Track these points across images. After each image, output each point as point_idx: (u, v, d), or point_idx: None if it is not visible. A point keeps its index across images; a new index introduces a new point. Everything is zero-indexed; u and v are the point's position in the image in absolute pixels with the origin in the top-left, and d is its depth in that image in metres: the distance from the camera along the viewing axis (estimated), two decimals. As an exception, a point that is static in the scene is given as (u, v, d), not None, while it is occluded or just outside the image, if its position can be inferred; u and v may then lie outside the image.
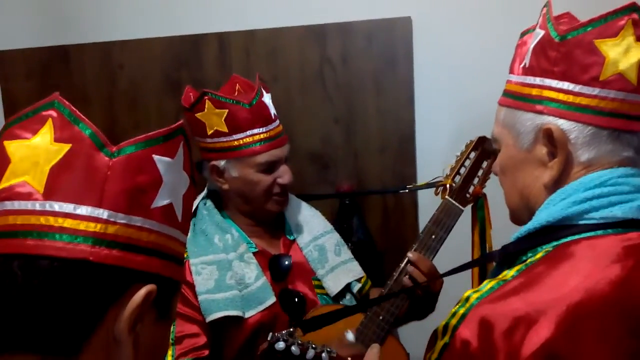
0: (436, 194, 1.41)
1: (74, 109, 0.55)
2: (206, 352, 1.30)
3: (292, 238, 1.51)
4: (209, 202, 1.47)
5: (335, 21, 1.98)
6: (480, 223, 1.40)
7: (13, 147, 0.54)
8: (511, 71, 0.86)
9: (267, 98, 1.41)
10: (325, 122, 2.04)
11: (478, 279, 1.40)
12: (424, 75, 1.96)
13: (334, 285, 1.45)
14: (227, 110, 1.35)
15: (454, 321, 0.73)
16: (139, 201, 0.55)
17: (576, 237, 0.74)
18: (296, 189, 2.07)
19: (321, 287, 1.46)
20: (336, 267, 1.48)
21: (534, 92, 0.78)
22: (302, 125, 2.04)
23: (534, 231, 0.77)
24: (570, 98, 0.75)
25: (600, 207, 0.74)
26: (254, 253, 1.41)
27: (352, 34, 1.98)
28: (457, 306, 0.74)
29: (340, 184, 1.99)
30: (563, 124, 0.76)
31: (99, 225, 0.53)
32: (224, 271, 1.34)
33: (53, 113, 0.55)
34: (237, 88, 1.44)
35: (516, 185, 0.84)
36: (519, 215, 0.86)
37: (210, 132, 1.37)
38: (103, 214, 0.53)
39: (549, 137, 0.77)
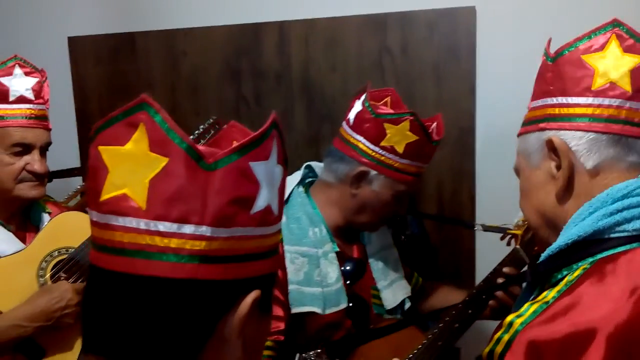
0: (502, 239, 1.42)
1: (166, 114, 0.53)
2: (282, 338, 1.33)
3: (364, 244, 1.52)
4: (301, 189, 1.46)
5: (396, 10, 1.95)
6: None
7: (108, 154, 0.53)
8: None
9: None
10: (382, 112, 2.01)
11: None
12: (487, 67, 1.90)
13: (392, 299, 1.47)
14: None
15: (499, 348, 0.72)
16: (239, 211, 0.54)
17: (611, 252, 0.74)
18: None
19: (378, 297, 1.47)
20: (394, 281, 1.50)
21: (538, 113, 0.83)
22: (359, 115, 2.03)
23: (565, 247, 0.77)
24: (566, 110, 0.79)
25: (632, 218, 0.74)
26: (335, 253, 1.41)
27: (413, 24, 1.94)
28: (501, 332, 0.73)
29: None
30: (563, 134, 0.79)
31: (203, 243, 0.52)
32: (313, 266, 1.36)
33: (143, 117, 0.53)
34: None
35: (533, 204, 0.86)
36: (541, 234, 0.87)
37: None
38: (207, 231, 0.52)
39: (553, 149, 0.80)
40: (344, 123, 1.41)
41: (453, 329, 1.29)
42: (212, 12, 2.14)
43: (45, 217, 1.49)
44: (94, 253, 0.56)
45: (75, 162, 2.32)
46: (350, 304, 1.38)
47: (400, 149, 1.34)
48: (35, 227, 1.47)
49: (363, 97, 1.36)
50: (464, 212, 1.98)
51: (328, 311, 1.35)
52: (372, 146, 1.35)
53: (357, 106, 1.38)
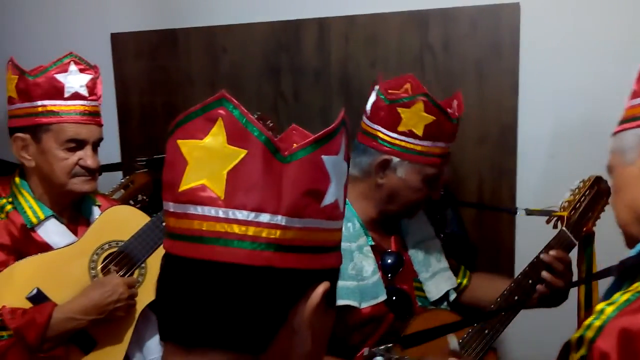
0: (548, 222, 1.42)
1: (243, 109, 0.55)
2: None
3: (402, 236, 1.51)
4: None
5: (438, 7, 1.94)
6: (588, 260, 1.39)
7: (187, 147, 0.55)
8: None
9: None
10: (422, 109, 2.01)
11: (584, 300, 1.40)
12: (530, 64, 1.88)
13: (435, 290, 1.46)
14: None
15: (589, 334, 0.72)
16: (311, 203, 0.56)
17: None
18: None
19: (421, 289, 1.47)
20: (437, 273, 1.49)
21: (637, 111, 0.83)
22: (399, 112, 2.03)
23: None
24: None
25: None
26: (371, 246, 1.41)
27: (456, 20, 1.93)
28: (592, 318, 0.73)
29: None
30: None
31: (278, 232, 0.54)
32: (347, 260, 1.35)
33: (222, 112, 0.55)
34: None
35: (625, 200, 0.85)
36: (631, 230, 0.87)
37: None
38: (282, 220, 0.54)
39: None
40: (363, 116, 1.42)
41: (500, 317, 1.29)
42: (252, 9, 2.15)
43: (96, 210, 1.52)
44: (169, 242, 0.58)
45: (115, 156, 2.36)
46: (394, 297, 1.38)
47: (419, 131, 1.33)
48: (86, 220, 1.51)
49: (376, 87, 1.37)
50: (505, 211, 1.97)
51: (365, 304, 1.35)
52: (390, 133, 1.36)
53: (372, 97, 1.39)
